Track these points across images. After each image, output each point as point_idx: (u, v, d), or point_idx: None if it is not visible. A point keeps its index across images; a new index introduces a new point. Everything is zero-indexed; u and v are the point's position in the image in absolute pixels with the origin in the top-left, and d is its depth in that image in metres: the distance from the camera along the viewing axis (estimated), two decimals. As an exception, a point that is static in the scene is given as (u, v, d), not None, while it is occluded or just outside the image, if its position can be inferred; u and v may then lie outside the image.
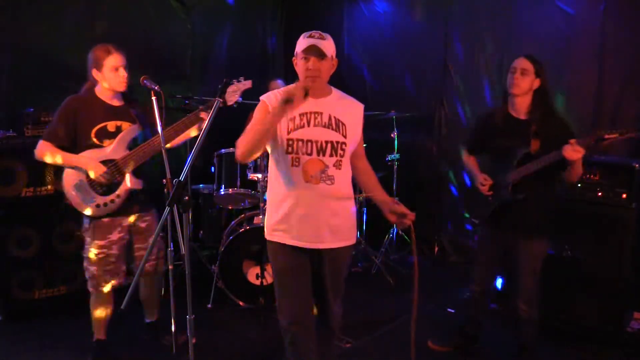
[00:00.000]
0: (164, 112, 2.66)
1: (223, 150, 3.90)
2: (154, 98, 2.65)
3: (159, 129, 2.57)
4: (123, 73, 2.85)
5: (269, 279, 3.75)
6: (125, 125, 2.89)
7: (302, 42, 2.24)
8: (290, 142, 2.25)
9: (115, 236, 2.90)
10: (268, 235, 2.41)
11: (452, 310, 3.73)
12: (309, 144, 2.25)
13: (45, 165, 3.52)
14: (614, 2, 3.68)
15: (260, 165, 3.88)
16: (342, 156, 2.29)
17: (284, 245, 2.34)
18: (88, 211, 2.83)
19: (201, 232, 4.54)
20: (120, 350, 3.16)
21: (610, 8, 3.69)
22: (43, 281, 3.59)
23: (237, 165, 3.82)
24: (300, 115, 2.26)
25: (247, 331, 3.49)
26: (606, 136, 2.58)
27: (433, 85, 4.85)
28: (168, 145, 2.94)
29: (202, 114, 2.85)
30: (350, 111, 2.35)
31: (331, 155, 2.27)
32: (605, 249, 3.20)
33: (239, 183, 3.80)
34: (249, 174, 3.77)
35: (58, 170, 3.55)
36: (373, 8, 5.22)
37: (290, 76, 4.61)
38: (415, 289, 2.33)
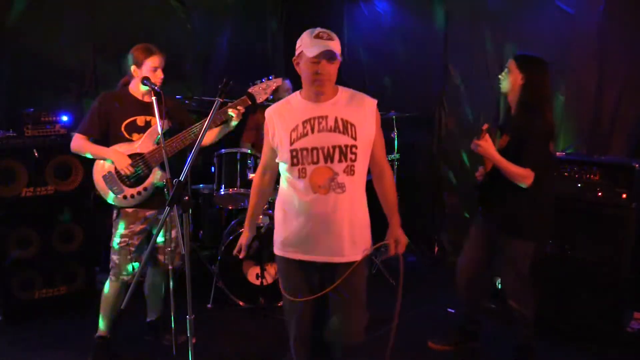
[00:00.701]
0: (164, 112, 2.69)
1: (223, 150, 3.90)
2: (154, 98, 2.68)
3: (159, 128, 2.61)
4: (160, 74, 2.93)
5: (269, 279, 3.75)
6: (155, 120, 2.93)
7: (310, 44, 2.06)
8: (295, 153, 2.11)
9: (137, 227, 2.99)
10: (278, 250, 2.32)
11: (452, 310, 3.73)
12: (314, 151, 2.10)
13: (45, 165, 3.54)
14: (613, 2, 3.68)
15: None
16: (353, 160, 2.11)
17: (294, 261, 2.25)
18: (115, 201, 2.93)
19: (201, 232, 4.54)
20: (120, 349, 3.15)
21: (610, 8, 3.68)
22: (43, 281, 3.59)
23: (237, 165, 3.82)
24: (303, 122, 2.12)
25: (247, 331, 3.49)
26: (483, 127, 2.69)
27: (433, 85, 4.85)
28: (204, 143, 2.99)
29: (231, 110, 2.90)
30: (360, 110, 2.17)
31: (340, 161, 2.10)
32: (605, 249, 3.20)
33: (239, 183, 3.80)
34: (249, 174, 3.77)
35: (57, 170, 3.57)
36: (373, 8, 5.22)
37: (290, 76, 4.61)
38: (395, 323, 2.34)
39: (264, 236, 3.77)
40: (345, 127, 2.12)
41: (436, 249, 4.96)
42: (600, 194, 3.23)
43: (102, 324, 3.06)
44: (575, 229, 3.29)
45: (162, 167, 2.94)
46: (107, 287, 3.04)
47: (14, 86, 4.00)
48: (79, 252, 3.71)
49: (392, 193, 2.34)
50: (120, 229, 2.97)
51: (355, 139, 2.12)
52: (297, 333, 2.37)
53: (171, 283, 2.42)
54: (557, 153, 3.61)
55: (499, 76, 2.89)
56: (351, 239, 2.18)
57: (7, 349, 3.20)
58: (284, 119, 2.18)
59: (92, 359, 3.00)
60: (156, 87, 2.74)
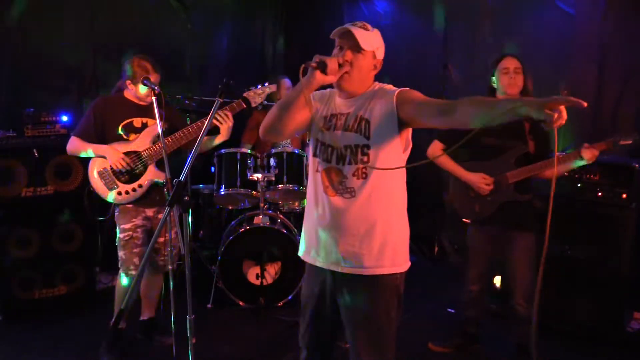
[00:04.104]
0: (164, 112, 2.70)
1: (223, 150, 3.89)
2: (154, 98, 2.69)
3: (159, 129, 2.62)
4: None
5: (269, 279, 3.75)
6: (151, 122, 3.04)
7: (339, 28, 1.91)
8: (317, 144, 2.00)
9: (139, 221, 3.04)
10: (300, 251, 2.14)
11: (452, 310, 3.73)
12: (329, 149, 1.96)
13: (45, 165, 3.54)
14: (613, 2, 3.68)
15: (261, 165, 3.88)
16: (365, 162, 1.89)
17: (309, 265, 2.09)
18: (110, 197, 2.98)
19: (201, 232, 4.54)
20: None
21: (610, 8, 3.69)
22: (43, 281, 3.59)
23: (237, 165, 3.82)
24: (331, 115, 1.99)
25: (247, 331, 3.49)
26: (621, 142, 2.67)
27: (433, 85, 4.85)
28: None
29: (215, 122, 3.00)
30: (379, 103, 1.91)
31: (350, 164, 1.91)
32: (605, 249, 3.20)
33: (239, 183, 3.80)
34: (248, 174, 3.76)
35: (57, 170, 3.57)
36: (373, 8, 5.22)
37: (290, 77, 4.61)
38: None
39: (264, 236, 3.78)
40: (360, 124, 1.91)
41: (436, 249, 4.96)
42: (600, 194, 3.23)
43: (117, 318, 3.07)
44: (575, 229, 3.29)
45: (158, 165, 3.01)
46: (120, 281, 3.08)
47: (14, 86, 4.00)
48: (79, 252, 3.70)
49: (483, 101, 1.73)
50: (123, 223, 3.02)
51: (368, 137, 1.89)
52: (301, 343, 2.14)
53: (171, 283, 2.42)
54: (557, 153, 3.61)
55: (512, 77, 2.81)
56: (349, 252, 1.93)
57: (7, 348, 3.20)
58: (323, 105, 2.03)
59: (106, 348, 3.02)
60: (156, 88, 2.76)
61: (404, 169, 1.97)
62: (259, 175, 3.74)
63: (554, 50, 3.90)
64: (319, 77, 1.82)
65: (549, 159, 2.78)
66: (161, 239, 3.09)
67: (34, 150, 3.50)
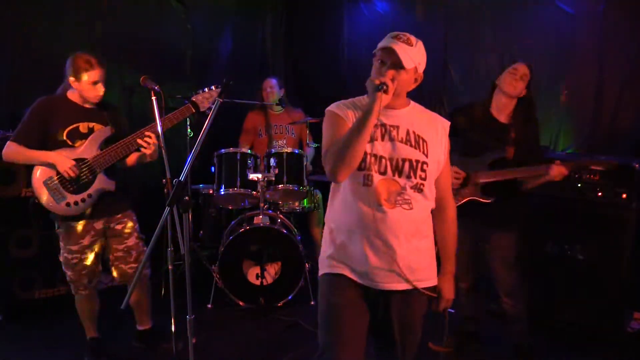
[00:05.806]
0: (164, 112, 2.68)
1: (223, 150, 3.90)
2: (154, 98, 2.66)
3: (159, 129, 2.59)
4: (101, 88, 2.83)
5: (269, 279, 3.75)
6: (98, 126, 2.88)
7: (383, 41, 1.93)
8: (363, 156, 1.88)
9: (87, 241, 2.89)
10: (325, 268, 2.00)
11: (452, 310, 3.72)
12: (383, 160, 1.90)
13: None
14: (613, 2, 3.68)
15: (261, 165, 3.88)
16: (423, 179, 1.92)
17: (344, 277, 1.95)
18: (59, 209, 2.80)
19: (201, 232, 4.54)
20: (119, 350, 3.16)
21: (610, 8, 3.69)
22: (43, 281, 3.60)
23: (237, 165, 3.82)
24: (374, 126, 1.90)
25: (247, 331, 3.49)
26: (592, 167, 2.77)
27: (433, 85, 4.85)
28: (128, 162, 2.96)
29: (140, 140, 2.81)
30: (431, 127, 1.98)
31: (409, 177, 1.90)
32: (605, 249, 3.20)
33: (239, 183, 3.80)
34: (249, 174, 3.77)
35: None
36: (373, 8, 5.22)
37: (289, 76, 4.61)
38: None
39: (264, 236, 3.77)
40: (418, 141, 1.94)
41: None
42: (600, 194, 3.23)
43: (87, 329, 3.08)
44: (575, 229, 3.29)
45: (107, 173, 2.86)
46: (76, 302, 3.01)
47: (14, 86, 4.00)
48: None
49: (452, 232, 2.13)
50: (69, 244, 2.87)
51: (426, 155, 1.94)
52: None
53: (171, 283, 2.42)
54: (557, 153, 3.62)
55: (516, 79, 2.81)
56: (411, 266, 1.95)
57: (8, 348, 3.20)
58: (355, 114, 1.95)
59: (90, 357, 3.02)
60: (156, 88, 2.65)
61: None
62: (259, 175, 3.74)
63: (554, 50, 3.90)
64: (385, 98, 1.84)
65: (519, 169, 2.78)
66: (121, 246, 2.96)
67: (2, 152, 3.49)
